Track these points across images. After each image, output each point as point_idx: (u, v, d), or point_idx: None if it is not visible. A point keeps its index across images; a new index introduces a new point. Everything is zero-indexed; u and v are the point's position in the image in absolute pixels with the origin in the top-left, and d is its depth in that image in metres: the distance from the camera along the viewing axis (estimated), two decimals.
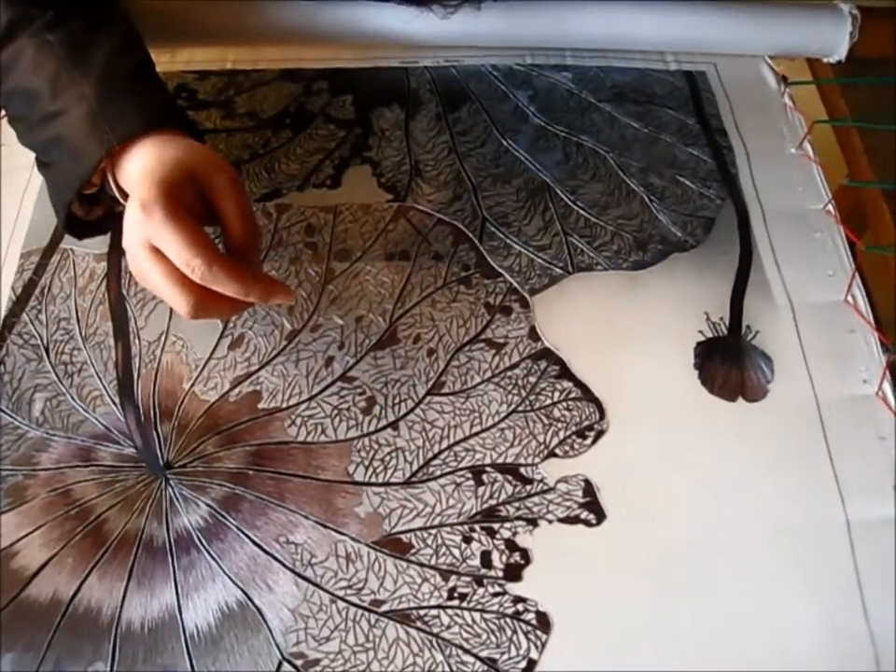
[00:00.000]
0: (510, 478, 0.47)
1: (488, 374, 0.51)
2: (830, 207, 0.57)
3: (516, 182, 0.59)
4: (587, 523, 0.46)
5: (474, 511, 0.46)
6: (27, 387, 0.50)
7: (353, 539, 0.45)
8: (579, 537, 0.45)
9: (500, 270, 0.55)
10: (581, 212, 0.58)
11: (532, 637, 0.43)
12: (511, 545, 0.45)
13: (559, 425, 0.49)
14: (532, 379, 0.50)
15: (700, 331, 0.52)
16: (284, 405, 0.50)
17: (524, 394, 0.50)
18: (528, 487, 0.47)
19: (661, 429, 0.49)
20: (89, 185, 0.47)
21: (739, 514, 0.46)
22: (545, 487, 0.47)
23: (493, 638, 0.42)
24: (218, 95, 0.64)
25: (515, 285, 0.54)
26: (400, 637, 0.43)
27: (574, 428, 0.49)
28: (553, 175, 0.59)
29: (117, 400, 0.50)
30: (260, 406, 0.50)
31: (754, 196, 0.58)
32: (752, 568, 0.45)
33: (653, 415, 0.49)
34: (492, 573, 0.44)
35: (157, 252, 0.43)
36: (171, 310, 0.53)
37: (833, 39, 0.63)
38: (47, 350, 0.51)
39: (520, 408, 0.49)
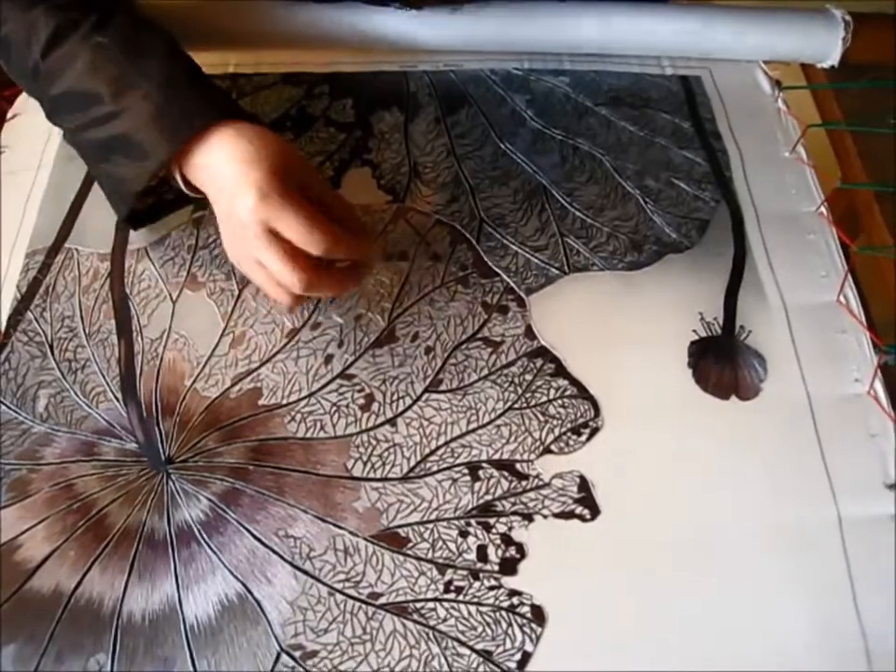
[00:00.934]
0: (506, 474, 0.48)
1: (485, 372, 0.51)
2: (823, 210, 0.58)
3: (513, 184, 0.60)
4: (582, 518, 0.46)
5: (470, 507, 0.47)
6: (31, 384, 0.51)
7: (351, 532, 0.46)
8: (573, 531, 0.46)
9: (497, 270, 0.56)
10: (578, 213, 0.59)
11: (527, 629, 0.43)
12: (507, 539, 0.46)
13: (555, 422, 0.50)
14: (528, 377, 0.51)
15: (694, 331, 0.53)
16: (284, 402, 0.50)
17: (520, 391, 0.51)
18: (524, 483, 0.47)
19: (655, 427, 0.49)
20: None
21: (732, 511, 0.47)
22: (540, 483, 0.47)
23: (488, 631, 0.43)
24: None
25: (512, 284, 0.55)
26: (397, 630, 0.43)
27: (569, 425, 0.49)
28: (550, 177, 0.60)
29: (119, 396, 0.50)
30: (261, 402, 0.50)
31: (748, 198, 0.59)
32: (744, 565, 0.45)
33: (648, 413, 0.50)
34: (488, 567, 0.45)
35: (276, 234, 0.45)
36: (173, 308, 0.54)
37: (827, 45, 0.63)
38: (51, 347, 0.52)
39: (516, 405, 0.50)
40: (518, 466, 0.48)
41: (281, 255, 0.45)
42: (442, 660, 0.42)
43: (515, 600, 0.44)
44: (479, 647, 0.43)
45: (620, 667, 0.42)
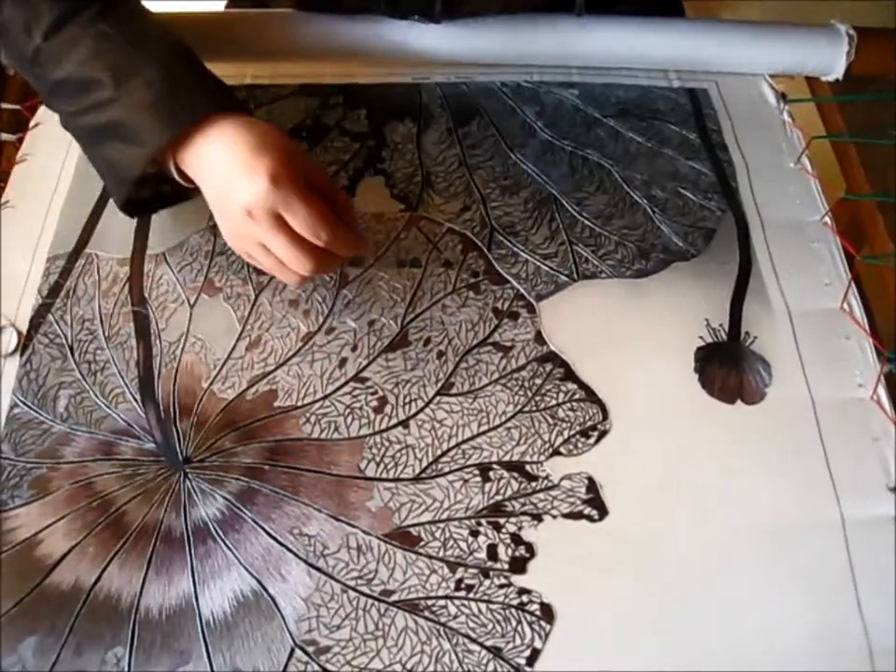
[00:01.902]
0: (515, 475, 0.49)
1: (496, 376, 0.53)
2: (827, 219, 0.59)
3: (524, 193, 0.61)
4: (590, 518, 0.47)
5: (481, 507, 0.48)
6: (52, 384, 0.52)
7: (364, 531, 0.47)
8: (582, 532, 0.47)
9: (508, 277, 0.57)
10: (586, 222, 0.60)
11: (536, 627, 0.44)
12: (517, 539, 0.47)
13: (564, 424, 0.51)
14: (538, 381, 0.52)
15: (700, 337, 0.54)
16: (299, 403, 0.51)
17: (529, 395, 0.52)
18: (533, 484, 0.48)
19: (662, 430, 0.50)
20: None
21: (736, 512, 0.48)
22: (550, 484, 0.48)
23: (498, 628, 0.44)
24: None
25: (522, 291, 0.56)
26: (409, 626, 0.44)
27: (578, 428, 0.50)
28: (560, 187, 0.62)
29: (138, 398, 0.52)
30: (276, 404, 0.51)
31: (754, 208, 0.60)
32: (749, 565, 0.46)
33: (655, 416, 0.51)
34: (498, 566, 0.46)
35: (281, 219, 0.47)
36: (190, 312, 0.55)
37: (831, 58, 0.65)
38: (71, 349, 0.53)
39: (526, 408, 0.51)
40: (528, 467, 0.49)
41: (289, 241, 0.47)
42: (453, 656, 0.43)
43: (525, 598, 0.45)
44: (489, 643, 0.44)
45: (625, 665, 0.43)
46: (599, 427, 0.50)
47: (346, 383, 0.52)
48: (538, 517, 0.47)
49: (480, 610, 0.45)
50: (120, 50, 0.48)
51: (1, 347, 0.53)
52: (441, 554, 0.46)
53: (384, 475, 0.49)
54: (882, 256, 0.59)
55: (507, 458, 0.49)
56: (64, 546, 0.46)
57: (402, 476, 0.49)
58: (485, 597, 0.45)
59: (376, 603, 0.45)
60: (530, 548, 0.46)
